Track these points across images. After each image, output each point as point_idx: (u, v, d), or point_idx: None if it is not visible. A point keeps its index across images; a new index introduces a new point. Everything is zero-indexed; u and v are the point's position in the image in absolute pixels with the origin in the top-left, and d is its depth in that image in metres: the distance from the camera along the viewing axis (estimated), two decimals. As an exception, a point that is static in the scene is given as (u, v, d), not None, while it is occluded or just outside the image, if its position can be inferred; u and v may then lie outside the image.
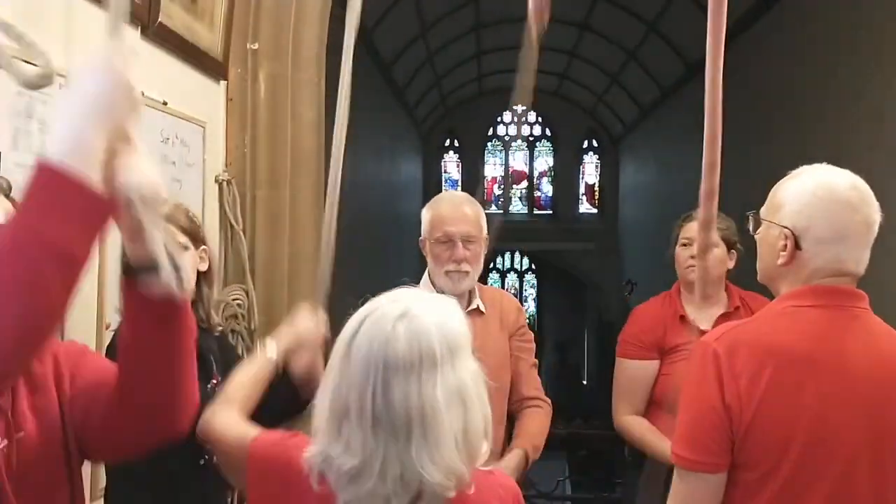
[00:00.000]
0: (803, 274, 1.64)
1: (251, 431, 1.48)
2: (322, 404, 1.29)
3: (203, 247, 2.24)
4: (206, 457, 2.14)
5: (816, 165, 1.69)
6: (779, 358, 1.57)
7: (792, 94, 6.52)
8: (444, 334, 1.27)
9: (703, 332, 2.63)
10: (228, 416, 1.60)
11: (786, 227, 1.64)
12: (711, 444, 1.57)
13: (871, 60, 5.07)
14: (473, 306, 2.52)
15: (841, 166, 1.68)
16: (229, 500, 2.35)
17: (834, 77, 5.68)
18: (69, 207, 0.98)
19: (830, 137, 5.51)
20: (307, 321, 1.95)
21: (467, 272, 2.45)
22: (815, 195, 1.62)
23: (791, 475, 1.54)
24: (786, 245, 1.64)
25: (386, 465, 1.24)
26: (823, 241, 1.61)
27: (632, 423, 2.81)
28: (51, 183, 0.98)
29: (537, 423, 2.57)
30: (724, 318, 2.71)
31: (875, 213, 1.63)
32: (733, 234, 2.83)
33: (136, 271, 1.13)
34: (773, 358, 1.56)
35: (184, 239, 2.18)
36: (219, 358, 2.27)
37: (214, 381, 2.22)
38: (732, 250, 2.83)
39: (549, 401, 2.65)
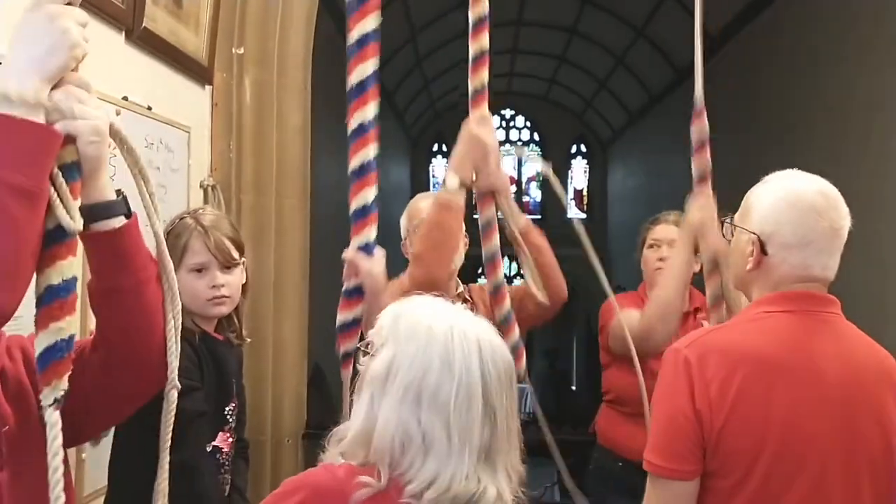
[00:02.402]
0: (771, 279, 1.65)
1: None
2: (442, 450, 1.23)
3: (235, 265, 2.16)
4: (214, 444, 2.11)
5: (787, 171, 1.70)
6: (749, 364, 1.57)
7: (781, 97, 6.53)
8: None
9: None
10: None
11: (753, 233, 1.65)
12: (683, 451, 1.57)
13: (861, 62, 5.09)
14: (458, 290, 2.58)
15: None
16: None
17: (825, 79, 5.70)
18: (18, 147, 1.02)
19: (820, 142, 5.52)
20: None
21: None
22: (781, 200, 1.63)
23: (763, 482, 1.54)
24: (753, 251, 1.65)
25: (471, 479, 1.23)
26: (789, 246, 1.61)
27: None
28: None
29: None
30: (683, 316, 2.72)
31: (842, 219, 1.62)
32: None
33: (92, 213, 1.16)
34: (743, 364, 1.56)
35: (236, 254, 2.12)
36: (238, 380, 2.23)
37: (234, 405, 2.18)
38: (698, 254, 2.84)
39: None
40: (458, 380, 1.24)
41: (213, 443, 2.11)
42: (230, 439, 2.17)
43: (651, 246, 2.87)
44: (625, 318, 2.59)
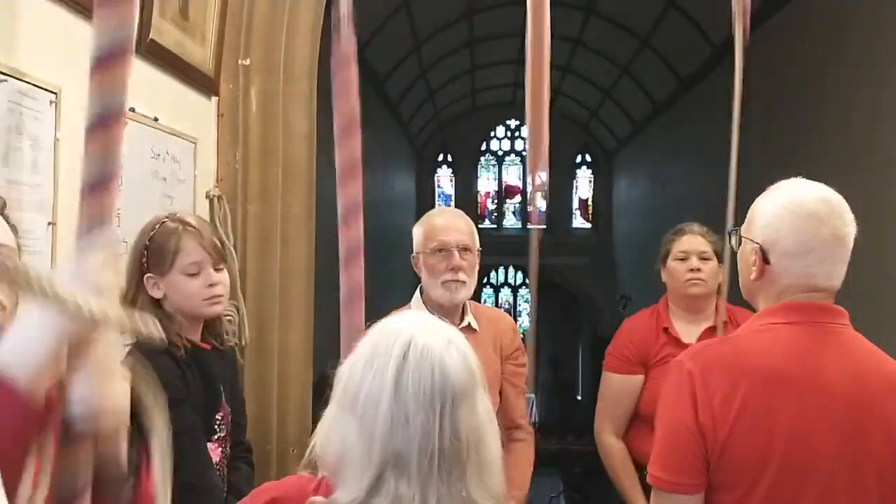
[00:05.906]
0: (776, 289, 1.64)
1: None
2: (353, 454, 1.14)
3: (223, 265, 2.19)
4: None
5: (793, 180, 1.69)
6: (753, 377, 1.55)
7: (785, 101, 6.53)
8: (472, 353, 1.23)
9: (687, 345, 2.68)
10: None
11: (756, 242, 1.65)
12: (686, 465, 1.56)
13: (862, 69, 5.08)
14: (465, 323, 2.51)
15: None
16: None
17: (827, 86, 5.70)
18: None
19: (823, 148, 5.52)
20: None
21: (464, 282, 2.45)
22: (782, 208, 1.62)
23: (768, 495, 1.53)
24: (755, 260, 1.64)
25: (429, 500, 1.13)
26: (790, 255, 1.60)
27: (611, 449, 2.84)
28: None
29: (523, 463, 2.60)
30: (710, 331, 2.72)
31: (845, 226, 1.61)
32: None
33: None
34: (747, 377, 1.55)
35: (216, 256, 2.13)
36: (227, 385, 2.24)
37: (222, 414, 2.19)
38: (721, 264, 2.83)
39: (531, 429, 2.65)
40: (372, 381, 1.15)
41: None
42: (219, 449, 2.19)
43: (680, 258, 2.81)
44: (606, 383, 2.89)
